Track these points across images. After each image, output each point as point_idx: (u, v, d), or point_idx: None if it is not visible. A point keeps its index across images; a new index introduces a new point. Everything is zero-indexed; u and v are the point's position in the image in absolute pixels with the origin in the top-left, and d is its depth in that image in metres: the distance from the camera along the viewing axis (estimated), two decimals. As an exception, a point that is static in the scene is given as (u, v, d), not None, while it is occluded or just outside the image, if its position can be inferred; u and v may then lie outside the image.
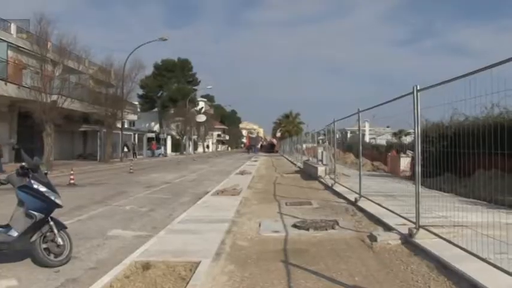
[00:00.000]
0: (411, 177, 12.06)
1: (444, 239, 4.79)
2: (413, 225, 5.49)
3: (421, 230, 5.32)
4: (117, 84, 30.68)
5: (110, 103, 28.96)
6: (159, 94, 64.64)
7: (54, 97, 22.27)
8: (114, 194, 11.63)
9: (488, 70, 3.81)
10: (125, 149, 32.02)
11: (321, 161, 17.56)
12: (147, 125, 66.25)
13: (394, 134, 32.69)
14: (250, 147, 76.55)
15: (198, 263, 4.53)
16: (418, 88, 5.42)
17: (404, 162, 16.03)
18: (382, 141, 32.39)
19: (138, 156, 38.29)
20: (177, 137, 57.64)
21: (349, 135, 44.86)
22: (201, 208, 8.44)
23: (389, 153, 19.31)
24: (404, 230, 5.63)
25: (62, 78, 23.76)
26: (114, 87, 30.68)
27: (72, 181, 14.07)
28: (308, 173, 18.28)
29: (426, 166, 6.05)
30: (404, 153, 15.93)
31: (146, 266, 4.46)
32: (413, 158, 11.55)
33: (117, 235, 6.53)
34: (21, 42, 23.83)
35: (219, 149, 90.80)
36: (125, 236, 6.50)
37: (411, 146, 9.37)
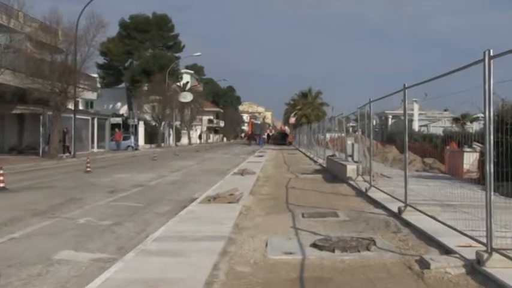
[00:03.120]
0: (479, 180, 11.91)
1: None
2: (483, 248, 5.40)
3: (495, 255, 5.22)
4: (67, 49, 30.39)
5: (57, 75, 28.68)
6: (128, 64, 64.64)
7: (-29, 65, 21.90)
8: (63, 202, 11.63)
9: None
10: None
11: (351, 156, 17.46)
12: (111, 106, 66.49)
13: (455, 120, 32.39)
14: (253, 137, 76.62)
15: (180, 298, 4.46)
16: (492, 54, 5.27)
17: (470, 158, 15.86)
18: (437, 129, 32.19)
19: (95, 149, 38.28)
20: (153, 124, 57.73)
21: (390, 121, 44.73)
22: (186, 221, 8.40)
23: (448, 147, 19.11)
24: (470, 254, 5.54)
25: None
26: (64, 53, 30.41)
27: (1, 184, 14.07)
28: (333, 173, 18.19)
29: (502, 165, 5.93)
30: (470, 146, 15.75)
31: (108, 302, 4.40)
32: (482, 153, 11.37)
33: (67, 259, 6.49)
34: None
35: (210, 140, 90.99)
36: (78, 260, 6.46)
37: (480, 137, 9.22)
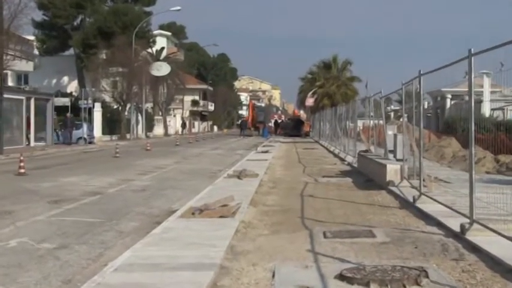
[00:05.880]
0: None
1: None
2: None
3: None
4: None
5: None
6: (78, 22, 64.44)
7: None
8: (-13, 217, 11.61)
9: None
10: None
11: (393, 152, 17.45)
12: (55, 81, 66.41)
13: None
14: (254, 126, 76.58)
15: None
16: None
17: None
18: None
19: (32, 143, 38.10)
20: (114, 106, 57.68)
21: (449, 103, 44.49)
22: (161, 242, 8.41)
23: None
24: None
25: None
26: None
27: None
28: (367, 176, 18.16)
29: None
30: None
31: None
32: None
33: (-8, 297, 6.49)
34: None
35: (195, 129, 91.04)
36: (7, 298, 6.46)
37: None
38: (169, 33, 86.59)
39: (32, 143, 38.44)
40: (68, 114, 43.10)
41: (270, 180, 17.95)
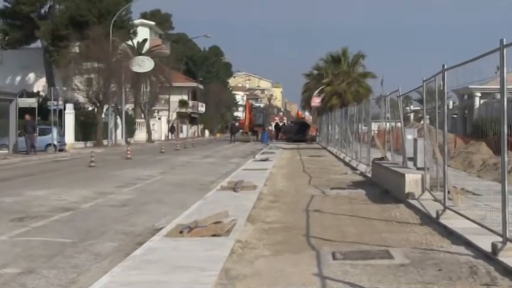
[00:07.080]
0: None
1: None
2: None
3: None
4: None
5: None
6: (46, 9, 64.41)
7: None
8: None
9: None
10: None
11: (413, 160, 17.44)
12: (19, 78, 66.29)
13: None
14: (252, 129, 76.62)
15: None
16: None
17: None
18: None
19: None
20: (89, 108, 57.59)
21: (478, 102, 44.55)
22: (143, 266, 8.41)
23: None
24: None
25: None
26: None
27: None
28: (383, 187, 18.18)
29: None
30: None
31: None
32: None
33: None
34: None
35: (183, 134, 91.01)
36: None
37: None
38: (152, 23, 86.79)
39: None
40: (27, 117, 41.14)
41: (270, 193, 17.94)
